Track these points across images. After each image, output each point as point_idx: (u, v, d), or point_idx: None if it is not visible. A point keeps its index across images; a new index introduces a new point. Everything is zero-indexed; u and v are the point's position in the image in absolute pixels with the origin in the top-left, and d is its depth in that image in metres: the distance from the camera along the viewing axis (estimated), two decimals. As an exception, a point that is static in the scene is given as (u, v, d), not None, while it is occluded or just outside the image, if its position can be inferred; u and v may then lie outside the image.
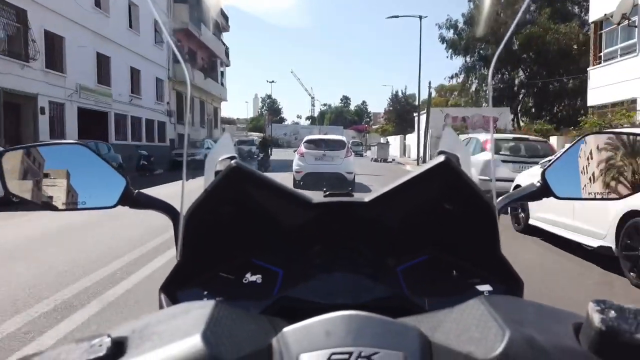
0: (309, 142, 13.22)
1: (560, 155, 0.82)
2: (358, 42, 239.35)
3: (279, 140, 74.59)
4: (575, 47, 27.95)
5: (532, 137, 11.17)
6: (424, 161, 23.26)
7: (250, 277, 0.75)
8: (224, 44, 41.09)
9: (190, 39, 31.87)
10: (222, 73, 42.32)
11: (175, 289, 0.71)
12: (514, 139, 9.99)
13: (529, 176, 6.42)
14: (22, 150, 0.79)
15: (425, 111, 28.80)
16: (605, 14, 17.78)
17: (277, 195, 0.73)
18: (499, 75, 31.59)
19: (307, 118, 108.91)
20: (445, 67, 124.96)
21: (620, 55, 17.76)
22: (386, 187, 0.73)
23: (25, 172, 0.78)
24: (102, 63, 21.04)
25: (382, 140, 45.02)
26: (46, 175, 0.78)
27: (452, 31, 31.86)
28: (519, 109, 31.84)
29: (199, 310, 0.38)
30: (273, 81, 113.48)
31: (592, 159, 0.80)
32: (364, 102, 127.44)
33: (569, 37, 27.61)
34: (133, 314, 3.59)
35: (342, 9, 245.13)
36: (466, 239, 0.75)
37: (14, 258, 5.41)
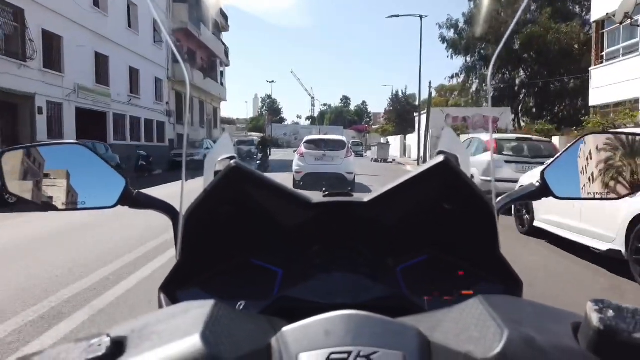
0: (308, 142, 13.12)
1: (560, 155, 0.81)
2: (358, 42, 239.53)
3: (279, 141, 74.50)
4: (576, 46, 27.85)
5: (535, 137, 11.00)
6: (425, 161, 23.15)
7: (249, 277, 0.75)
8: (223, 44, 40.95)
9: (189, 39, 31.73)
10: (221, 73, 42.18)
11: (175, 288, 0.71)
12: (517, 139, 9.82)
13: (533, 177, 6.23)
14: (22, 151, 0.79)
15: (425, 111, 28.66)
16: (607, 13, 17.65)
17: (277, 195, 0.73)
18: (500, 75, 31.51)
19: (307, 118, 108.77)
20: (445, 67, 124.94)
21: (623, 55, 17.65)
22: (385, 187, 0.73)
23: (25, 172, 0.78)
24: (101, 63, 20.90)
25: (383, 140, 44.90)
26: (46, 176, 0.78)
27: (452, 31, 31.81)
28: (519, 109, 31.71)
29: (198, 310, 0.38)
30: (273, 81, 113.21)
31: (591, 159, 0.80)
32: (364, 102, 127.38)
33: (570, 36, 27.51)
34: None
35: (342, 9, 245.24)
36: (465, 239, 0.75)
37: (7, 260, 5.32)
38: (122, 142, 22.39)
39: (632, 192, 0.80)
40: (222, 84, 42.05)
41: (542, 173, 0.79)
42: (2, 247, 6.03)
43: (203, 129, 35.50)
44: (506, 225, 7.16)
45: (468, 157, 0.85)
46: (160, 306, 0.68)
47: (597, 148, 0.80)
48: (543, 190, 0.80)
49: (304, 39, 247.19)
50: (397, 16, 28.13)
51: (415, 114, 37.01)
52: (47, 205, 0.78)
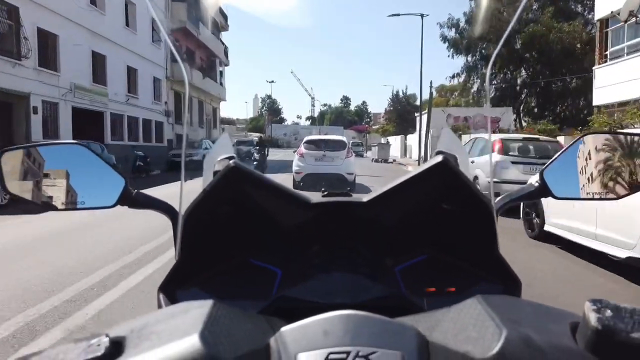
0: (308, 142, 12.97)
1: (559, 155, 0.81)
2: (358, 42, 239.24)
3: (279, 141, 74.34)
4: (578, 46, 27.62)
5: (542, 137, 10.72)
6: (425, 162, 22.96)
7: (248, 277, 0.75)
8: (222, 43, 40.68)
9: (188, 38, 31.45)
10: (221, 73, 41.91)
11: (174, 288, 0.71)
12: (524, 139, 9.54)
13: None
14: (21, 150, 0.78)
15: (426, 111, 28.42)
16: (612, 11, 17.41)
17: (276, 195, 0.73)
18: (501, 75, 31.30)
19: (307, 118, 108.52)
20: (446, 67, 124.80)
21: (627, 54, 17.42)
22: (384, 187, 0.73)
23: (24, 172, 0.78)
24: (98, 62, 20.59)
25: (383, 140, 44.69)
26: (46, 175, 0.78)
27: (453, 30, 31.58)
28: (521, 108, 31.47)
29: (197, 310, 0.39)
30: (273, 81, 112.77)
31: (590, 159, 0.81)
32: (364, 102, 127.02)
33: (572, 36, 27.28)
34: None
35: (342, 9, 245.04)
36: (464, 239, 0.75)
37: (7, 260, 5.27)
38: (120, 142, 22.09)
39: (630, 193, 0.80)
40: (221, 83, 41.77)
41: (541, 173, 0.79)
42: (2, 247, 5.99)
43: (202, 129, 35.23)
44: (515, 229, 6.90)
45: (467, 157, 0.84)
46: (160, 306, 0.68)
47: (596, 148, 0.80)
48: (542, 190, 0.80)
49: (304, 39, 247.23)
50: (398, 15, 27.91)
51: (416, 114, 36.78)
52: (46, 205, 0.78)
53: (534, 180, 0.84)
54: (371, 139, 58.84)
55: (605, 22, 18.82)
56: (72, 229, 6.91)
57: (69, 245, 5.97)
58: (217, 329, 0.35)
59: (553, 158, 0.81)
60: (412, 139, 39.68)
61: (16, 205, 7.42)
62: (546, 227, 6.06)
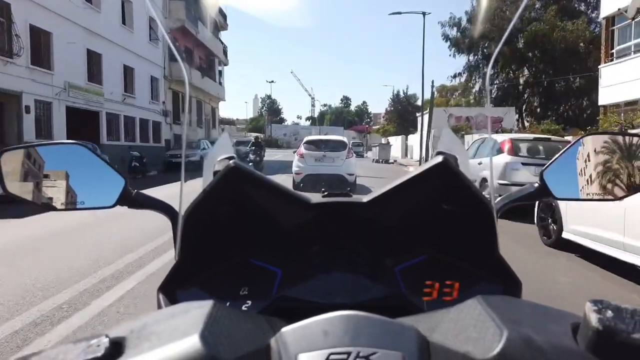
0: (308, 142, 12.69)
1: (559, 157, 0.81)
2: (358, 42, 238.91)
3: (279, 141, 73.98)
4: (582, 45, 27.25)
5: (554, 138, 10.30)
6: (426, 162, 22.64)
7: (248, 277, 0.75)
8: (222, 43, 40.27)
9: (186, 37, 31.04)
10: (220, 72, 41.50)
11: (174, 288, 0.71)
12: (534, 139, 9.09)
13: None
14: (21, 150, 0.79)
15: (428, 111, 28.05)
16: (619, 9, 17.04)
17: (276, 196, 0.73)
18: (504, 74, 30.94)
19: (307, 118, 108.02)
20: (447, 67, 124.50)
21: (634, 52, 17.06)
22: (384, 188, 0.73)
23: (24, 172, 0.78)
24: (93, 60, 20.18)
25: (383, 140, 44.34)
26: (45, 176, 0.78)
27: (455, 29, 31.23)
28: (523, 108, 31.08)
29: (197, 310, 0.39)
30: (273, 81, 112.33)
31: (589, 161, 0.81)
32: (364, 102, 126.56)
33: (575, 34, 26.90)
34: None
35: (342, 9, 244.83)
36: (464, 239, 0.76)
37: (7, 260, 5.22)
38: (116, 142, 21.69)
39: (628, 194, 0.81)
40: (220, 83, 41.38)
41: (541, 174, 0.80)
42: (3, 247, 5.95)
43: (201, 129, 34.82)
44: (529, 235, 6.48)
45: (467, 157, 0.84)
46: (159, 306, 0.68)
47: (595, 150, 0.81)
48: (542, 190, 0.80)
49: (304, 39, 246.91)
50: (399, 13, 27.59)
51: (417, 114, 36.42)
52: (46, 205, 0.78)
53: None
54: (371, 139, 58.46)
55: (611, 19, 18.45)
56: (72, 229, 6.89)
57: (69, 245, 5.94)
58: (217, 329, 0.35)
59: (553, 159, 0.81)
60: (413, 139, 39.32)
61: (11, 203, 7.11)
62: (564, 234, 5.61)
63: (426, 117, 27.69)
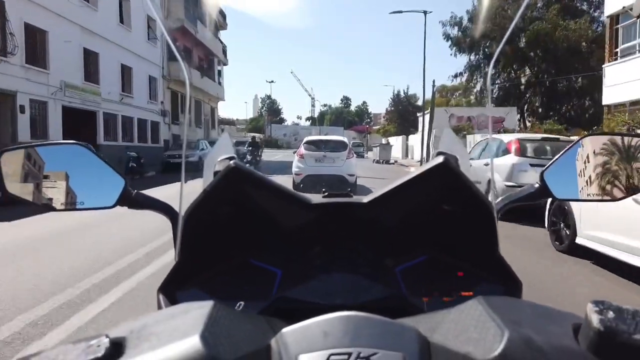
0: (308, 143, 12.51)
1: (559, 157, 0.82)
2: (358, 42, 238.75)
3: (279, 141, 73.77)
4: (584, 44, 26.99)
5: (562, 137, 10.03)
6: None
7: (248, 278, 0.74)
8: (221, 42, 40.00)
9: (185, 36, 30.78)
10: (219, 72, 41.23)
11: (174, 289, 0.71)
12: (542, 139, 8.82)
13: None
14: (21, 150, 0.78)
15: (429, 110, 27.80)
16: (624, 7, 16.77)
17: (276, 196, 0.73)
18: (505, 74, 30.68)
19: (307, 119, 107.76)
20: (447, 67, 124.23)
21: (639, 51, 16.75)
22: (385, 188, 0.73)
23: (24, 173, 0.78)
24: (90, 59, 19.88)
25: (384, 141, 44.09)
26: (45, 176, 0.78)
27: (456, 28, 30.99)
28: (525, 108, 30.82)
29: (198, 311, 0.39)
30: (273, 81, 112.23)
31: (589, 162, 0.82)
32: (364, 102, 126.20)
33: (578, 34, 26.64)
34: None
35: (342, 9, 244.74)
36: (465, 240, 0.75)
37: (7, 260, 5.17)
38: (114, 142, 21.40)
39: (627, 195, 0.81)
40: (219, 83, 41.11)
41: (542, 174, 0.80)
42: (3, 247, 5.93)
43: (200, 129, 34.54)
44: (540, 240, 6.20)
45: (468, 158, 0.84)
46: (159, 307, 0.68)
47: (594, 152, 0.81)
48: (543, 191, 0.80)
49: (304, 39, 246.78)
50: (400, 12, 27.35)
51: (418, 114, 36.17)
52: (46, 206, 0.78)
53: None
54: (372, 140, 58.23)
55: (615, 18, 18.18)
56: (72, 230, 6.86)
57: (69, 245, 5.91)
58: (218, 329, 0.35)
59: (553, 159, 0.81)
60: (414, 140, 39.05)
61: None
62: (578, 240, 5.32)
63: (427, 117, 27.44)
